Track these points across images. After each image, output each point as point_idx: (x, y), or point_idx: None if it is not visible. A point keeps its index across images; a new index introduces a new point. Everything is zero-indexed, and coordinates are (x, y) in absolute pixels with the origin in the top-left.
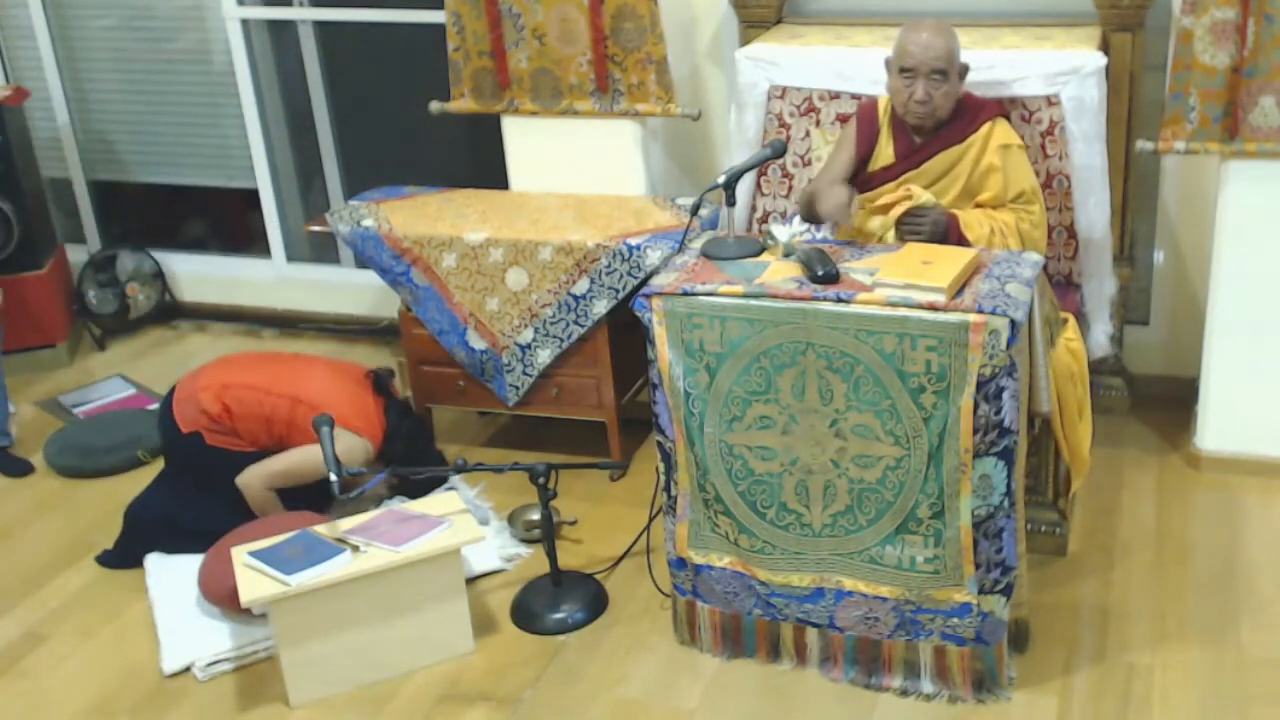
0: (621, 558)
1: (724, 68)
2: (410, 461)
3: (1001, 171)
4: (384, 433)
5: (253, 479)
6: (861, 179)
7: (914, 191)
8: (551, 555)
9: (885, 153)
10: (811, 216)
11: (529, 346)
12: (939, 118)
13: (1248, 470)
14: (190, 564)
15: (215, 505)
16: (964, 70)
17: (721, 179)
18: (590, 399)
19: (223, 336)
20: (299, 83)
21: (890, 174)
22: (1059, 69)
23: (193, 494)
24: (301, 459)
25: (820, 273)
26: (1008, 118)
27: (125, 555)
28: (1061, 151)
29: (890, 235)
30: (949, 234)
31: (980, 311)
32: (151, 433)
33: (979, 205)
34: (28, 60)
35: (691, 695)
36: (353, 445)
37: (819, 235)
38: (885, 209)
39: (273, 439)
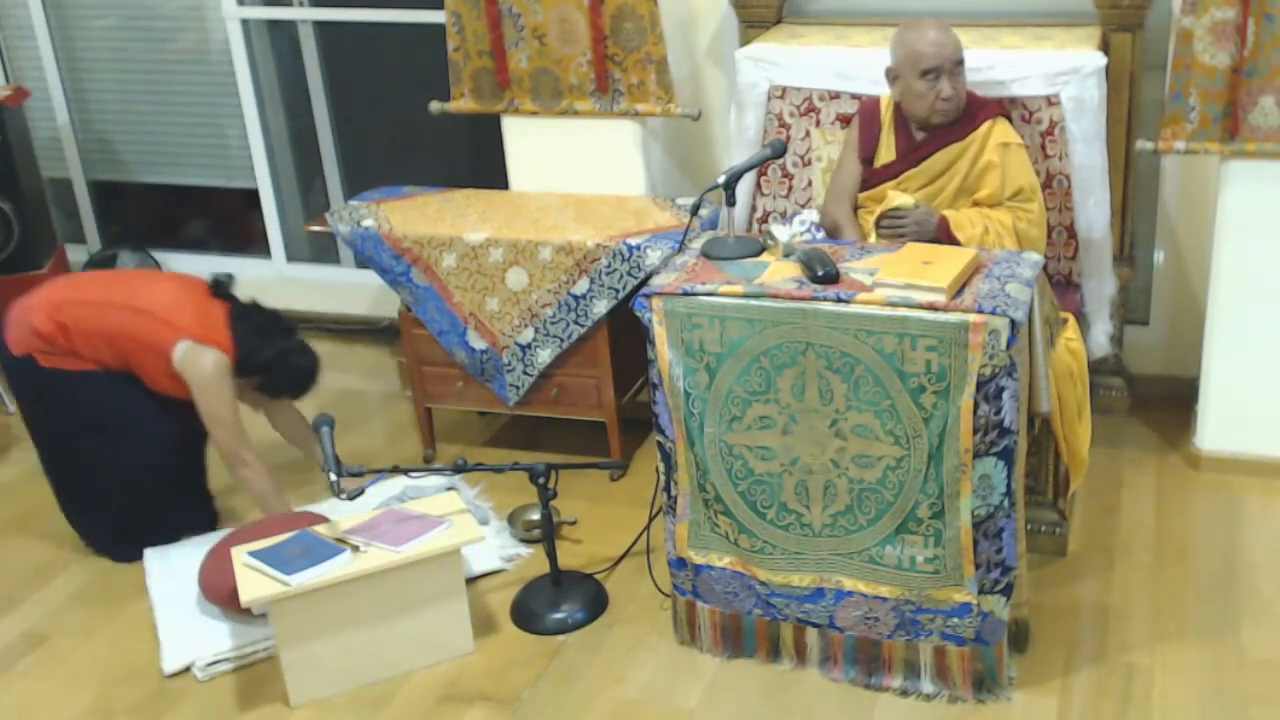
0: (621, 558)
1: (724, 68)
2: (262, 358)
3: (999, 169)
4: (232, 338)
5: (234, 452)
6: (863, 176)
7: (890, 195)
8: (551, 555)
9: (887, 150)
10: (836, 236)
11: (529, 346)
12: (960, 108)
13: (1248, 470)
14: (190, 563)
15: (68, 436)
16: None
17: (721, 179)
18: (590, 399)
19: None
20: (299, 83)
21: (891, 171)
22: (1059, 69)
23: (70, 459)
24: (207, 398)
25: (820, 273)
26: (1008, 118)
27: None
28: (1061, 151)
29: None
30: (939, 235)
31: (980, 311)
32: None
33: (977, 203)
34: (28, 60)
35: (691, 695)
36: (202, 358)
37: (819, 235)
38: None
39: (116, 355)
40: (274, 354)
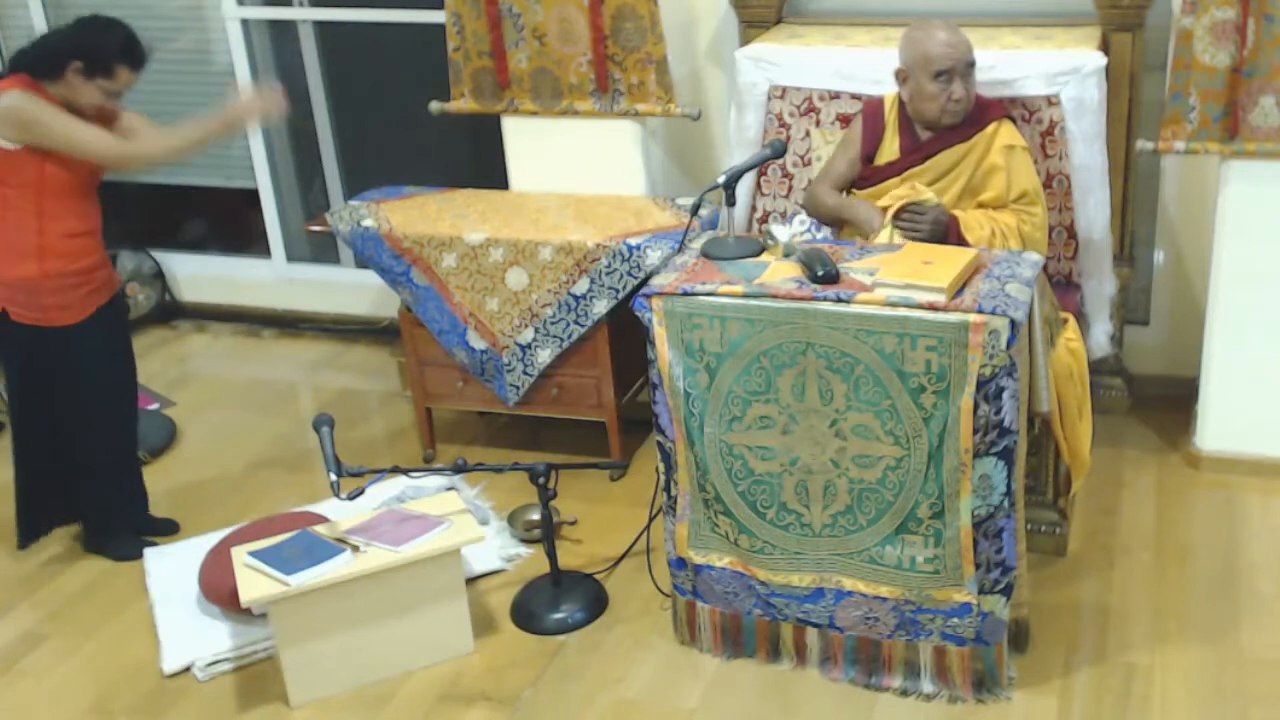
0: (621, 558)
1: (724, 68)
2: (53, 46)
3: (1004, 172)
4: (8, 69)
5: (122, 156)
6: (866, 174)
7: (917, 187)
8: (551, 555)
9: (890, 149)
10: (819, 216)
11: (529, 346)
12: (969, 109)
13: (1248, 470)
14: (191, 563)
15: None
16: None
17: (721, 179)
18: (590, 399)
19: (222, 336)
20: (299, 83)
21: (894, 169)
22: (1059, 69)
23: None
24: (45, 133)
25: (820, 273)
26: (1013, 120)
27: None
28: (1061, 151)
29: (886, 234)
30: (949, 234)
31: (980, 311)
32: (152, 433)
33: (981, 205)
34: None
35: (691, 695)
36: (5, 104)
37: (819, 235)
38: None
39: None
40: (66, 34)
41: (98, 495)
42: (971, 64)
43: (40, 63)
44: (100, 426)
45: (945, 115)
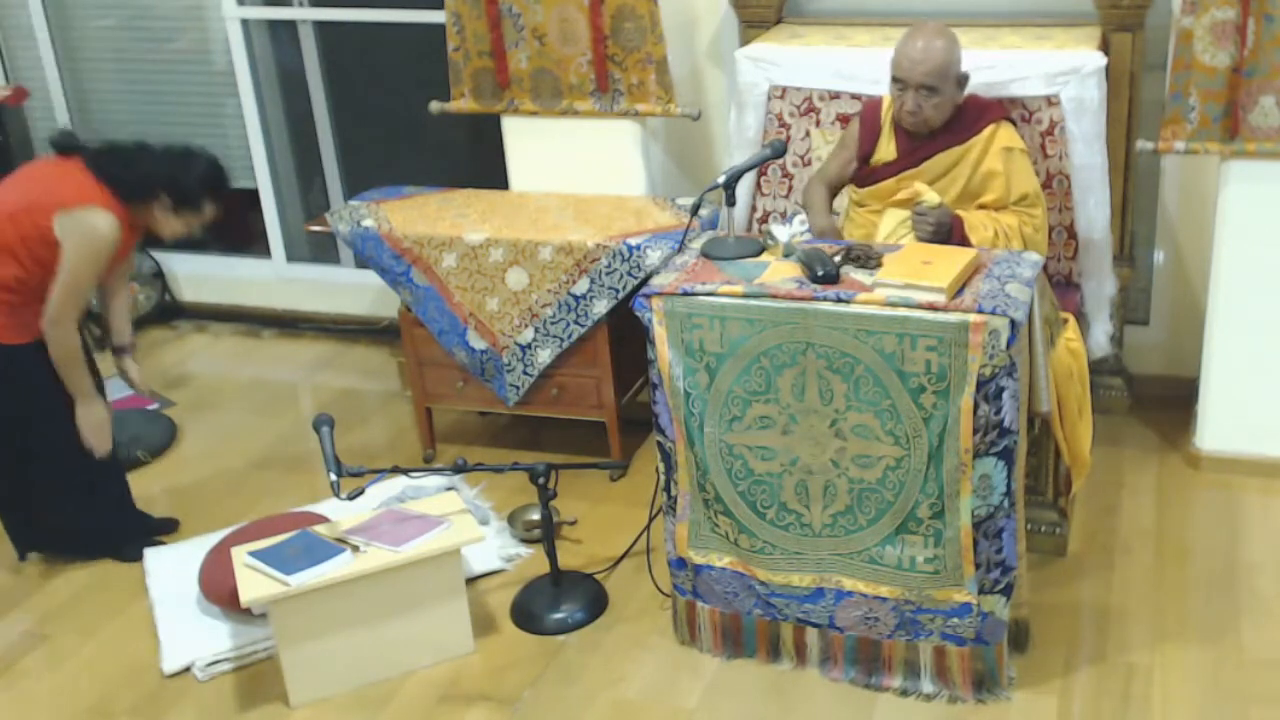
0: (621, 558)
1: (724, 68)
2: (148, 173)
3: (1004, 175)
4: (99, 181)
5: (58, 317)
6: (863, 174)
7: (920, 189)
8: (551, 555)
9: (887, 150)
10: (805, 209)
11: (529, 346)
12: (933, 126)
13: (1248, 470)
14: (191, 563)
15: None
16: (963, 79)
17: (721, 179)
18: (590, 399)
19: (222, 336)
20: (299, 83)
21: (891, 170)
22: (1059, 69)
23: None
24: (75, 255)
25: (820, 273)
26: (1013, 122)
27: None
28: (1061, 151)
29: (894, 227)
30: (953, 235)
31: (980, 311)
32: (152, 433)
33: (981, 207)
34: (28, 60)
35: (691, 695)
36: (90, 221)
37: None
38: (899, 202)
39: (20, 263)
40: (162, 165)
41: (65, 525)
42: (930, 88)
43: (128, 186)
44: (45, 453)
45: (903, 121)
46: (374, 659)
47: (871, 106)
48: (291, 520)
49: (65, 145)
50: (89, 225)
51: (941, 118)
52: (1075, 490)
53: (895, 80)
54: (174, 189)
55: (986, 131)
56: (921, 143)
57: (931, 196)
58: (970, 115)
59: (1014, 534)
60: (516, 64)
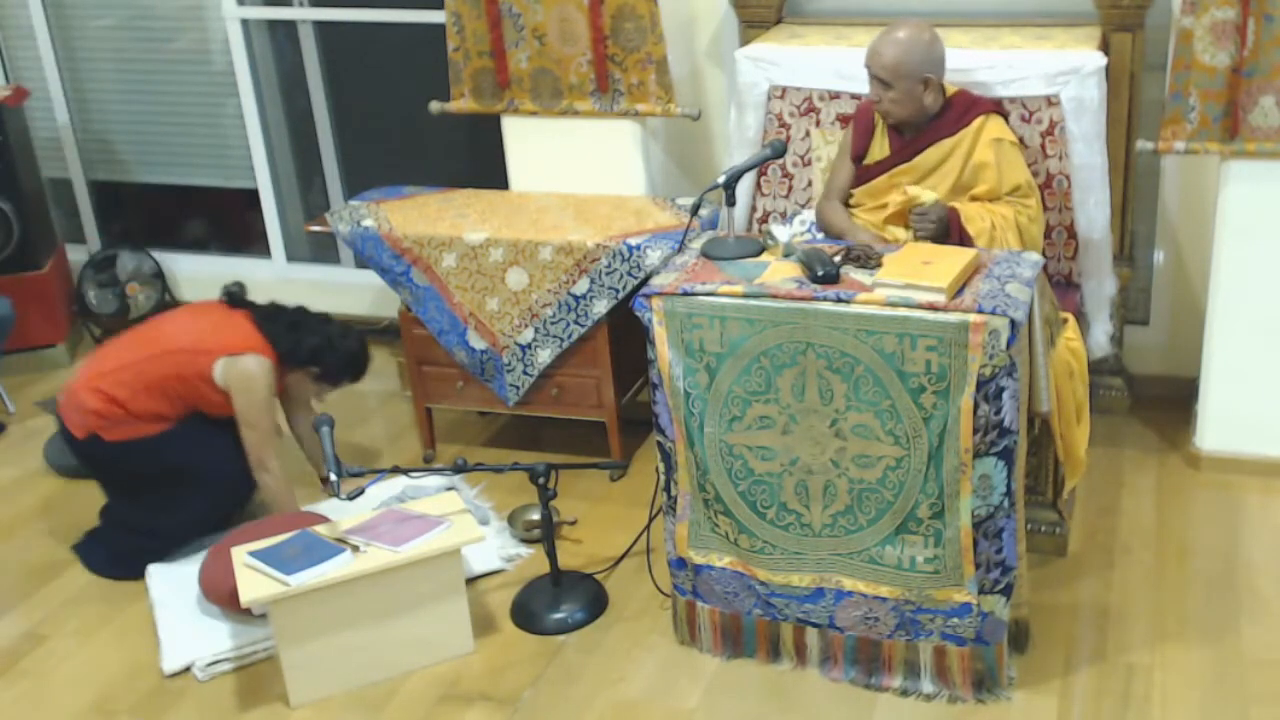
0: (621, 558)
1: (724, 68)
2: (307, 345)
3: (994, 166)
4: (265, 339)
5: (257, 461)
6: (858, 173)
7: (914, 191)
8: (551, 555)
9: (881, 147)
10: (828, 234)
11: (529, 346)
12: (896, 119)
13: (1248, 470)
14: (190, 564)
15: (161, 502)
16: (927, 81)
17: (721, 179)
18: (590, 399)
19: None
20: (299, 83)
21: (883, 167)
22: (1059, 69)
23: (135, 503)
24: (246, 402)
25: (820, 273)
26: (1004, 116)
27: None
28: (1061, 151)
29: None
30: (950, 227)
31: (980, 311)
32: None
33: (975, 199)
34: (28, 60)
35: (691, 695)
36: (240, 365)
37: (819, 235)
38: (896, 215)
39: (172, 402)
40: (320, 340)
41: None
42: (882, 81)
43: (291, 352)
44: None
45: (881, 114)
46: (374, 659)
47: (863, 108)
48: (291, 520)
49: (236, 300)
50: (243, 369)
51: (903, 113)
52: (1068, 490)
53: (867, 68)
54: (323, 367)
55: (975, 123)
56: (911, 138)
57: (926, 195)
58: (959, 109)
59: (1014, 534)
60: (516, 64)
